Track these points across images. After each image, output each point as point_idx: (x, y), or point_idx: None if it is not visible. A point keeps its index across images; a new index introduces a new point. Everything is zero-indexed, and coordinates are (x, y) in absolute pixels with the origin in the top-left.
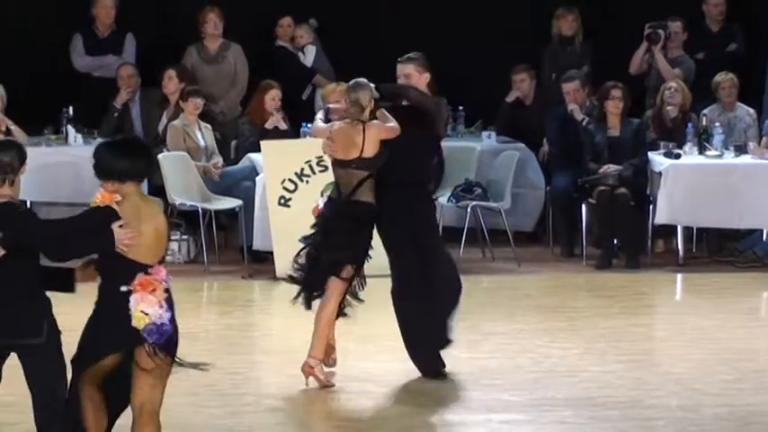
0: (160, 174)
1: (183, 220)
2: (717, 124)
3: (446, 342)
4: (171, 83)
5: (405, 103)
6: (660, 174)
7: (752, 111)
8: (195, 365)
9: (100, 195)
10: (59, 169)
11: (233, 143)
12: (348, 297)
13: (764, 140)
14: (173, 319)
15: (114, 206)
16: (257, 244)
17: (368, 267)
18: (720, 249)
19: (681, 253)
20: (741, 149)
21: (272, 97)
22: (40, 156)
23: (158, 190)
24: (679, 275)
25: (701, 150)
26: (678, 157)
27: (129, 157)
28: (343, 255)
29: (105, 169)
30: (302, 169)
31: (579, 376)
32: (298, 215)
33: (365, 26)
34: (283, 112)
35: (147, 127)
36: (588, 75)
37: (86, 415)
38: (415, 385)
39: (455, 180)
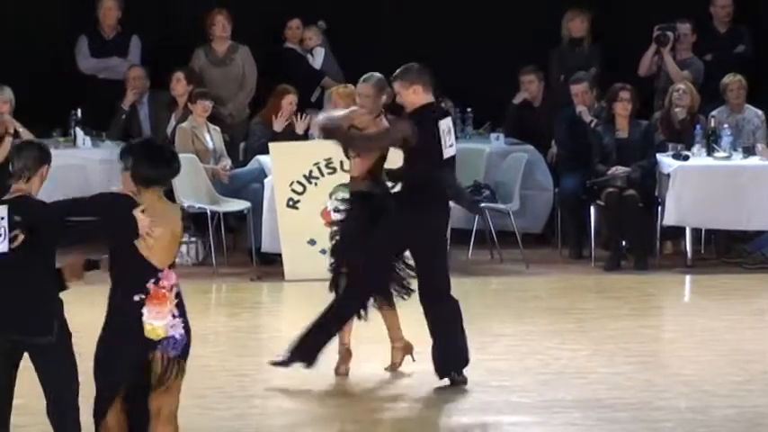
0: None
1: (192, 222)
2: (725, 126)
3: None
4: (179, 85)
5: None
6: (668, 175)
7: (760, 112)
8: None
9: (118, 190)
10: (68, 172)
11: (241, 145)
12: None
13: None
14: (185, 324)
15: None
16: (266, 246)
17: None
18: (729, 251)
19: (689, 254)
20: (749, 151)
21: (289, 102)
22: None
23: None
24: (687, 277)
25: (710, 152)
26: (686, 158)
27: (160, 165)
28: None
29: (135, 173)
30: (311, 171)
31: (588, 378)
32: (306, 217)
33: (372, 28)
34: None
35: (155, 129)
36: (596, 76)
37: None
38: (424, 388)
39: (464, 182)
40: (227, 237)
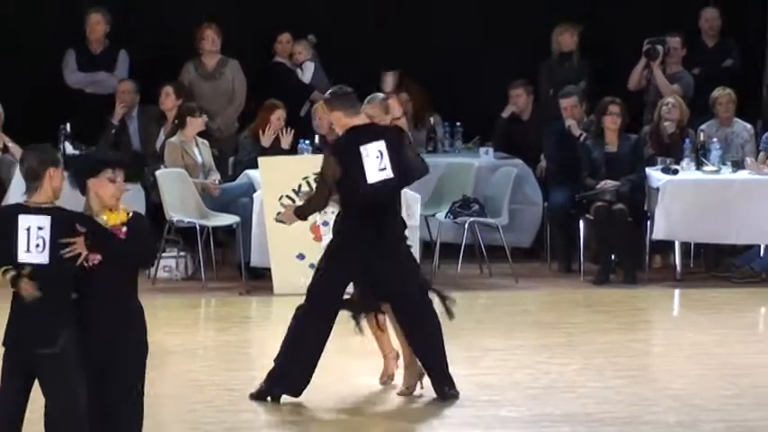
0: (158, 191)
1: (181, 236)
2: (714, 140)
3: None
4: (168, 99)
5: None
6: (657, 189)
7: (749, 126)
8: None
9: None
10: None
11: (230, 159)
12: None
13: (761, 156)
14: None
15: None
16: (255, 260)
17: None
18: (718, 265)
19: (678, 268)
20: (738, 165)
21: (278, 117)
22: None
23: (156, 207)
24: (676, 291)
25: (699, 166)
26: (675, 172)
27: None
28: None
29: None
30: (300, 185)
31: (577, 392)
32: (295, 232)
33: (362, 42)
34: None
35: (144, 143)
36: (586, 90)
37: None
38: (414, 402)
39: (452, 196)
40: (217, 251)
